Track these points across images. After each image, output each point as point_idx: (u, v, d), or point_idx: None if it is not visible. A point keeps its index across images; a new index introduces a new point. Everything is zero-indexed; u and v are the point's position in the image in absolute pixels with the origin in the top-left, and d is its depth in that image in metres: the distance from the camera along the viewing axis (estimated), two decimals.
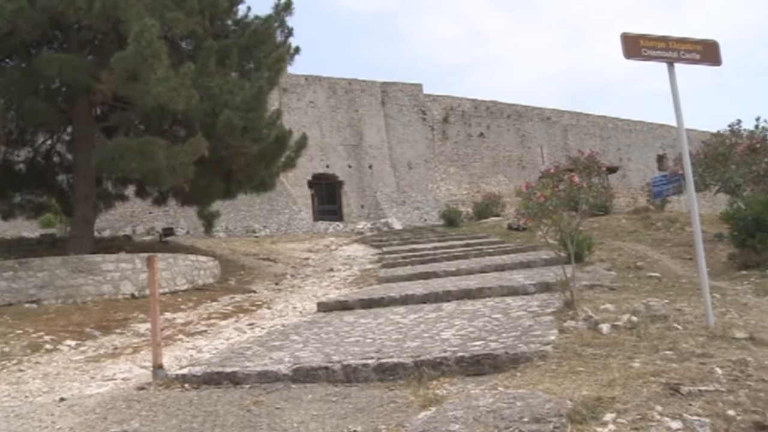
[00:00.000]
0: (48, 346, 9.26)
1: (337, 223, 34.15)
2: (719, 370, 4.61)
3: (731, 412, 3.91)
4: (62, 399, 6.29)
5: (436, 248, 19.66)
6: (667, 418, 3.89)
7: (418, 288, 11.14)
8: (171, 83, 13.26)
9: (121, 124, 16.43)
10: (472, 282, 11.17)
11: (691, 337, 5.72)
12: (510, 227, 22.55)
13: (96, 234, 19.43)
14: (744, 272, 11.13)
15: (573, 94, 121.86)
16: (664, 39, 6.75)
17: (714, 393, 4.21)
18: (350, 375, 5.87)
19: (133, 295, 13.31)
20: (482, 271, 13.29)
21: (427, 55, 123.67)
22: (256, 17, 17.68)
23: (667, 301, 7.63)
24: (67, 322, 10.70)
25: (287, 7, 17.79)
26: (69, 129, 17.64)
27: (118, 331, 10.42)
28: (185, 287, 14.53)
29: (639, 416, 3.94)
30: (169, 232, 27.30)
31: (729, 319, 6.67)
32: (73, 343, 9.53)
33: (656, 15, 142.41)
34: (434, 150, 40.71)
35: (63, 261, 13.24)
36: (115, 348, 9.22)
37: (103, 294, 13.07)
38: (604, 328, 6.21)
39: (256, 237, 28.32)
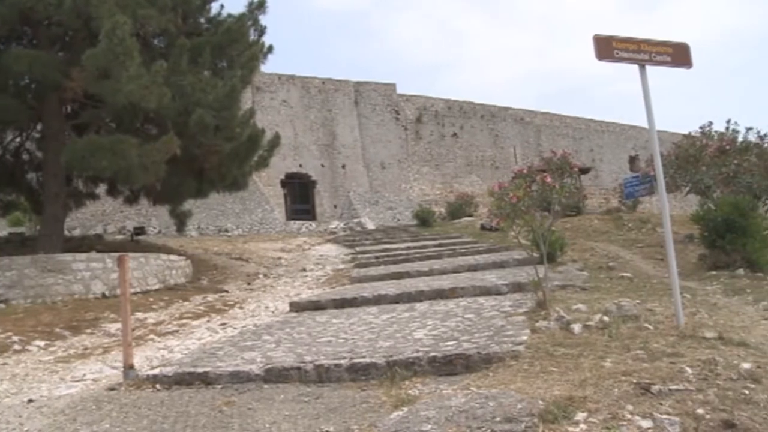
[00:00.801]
0: (16, 347, 9.14)
1: (310, 222, 34.05)
2: (689, 370, 4.66)
3: (700, 411, 3.96)
4: (30, 400, 6.21)
5: (409, 248, 19.69)
6: (637, 417, 3.93)
7: (390, 288, 11.15)
8: (143, 81, 13.16)
9: (92, 122, 16.27)
10: (444, 282, 11.20)
11: (661, 337, 5.78)
12: (483, 227, 22.63)
13: (66, 233, 19.22)
14: (714, 273, 11.27)
15: (546, 95, 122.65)
16: (635, 41, 6.82)
17: (684, 392, 4.26)
18: (323, 375, 5.87)
19: (104, 295, 13.18)
20: (455, 271, 13.33)
21: (400, 54, 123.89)
22: (230, 15, 17.58)
23: (638, 301, 7.71)
24: (36, 323, 10.57)
25: (261, 6, 17.72)
26: (39, 126, 17.44)
27: (89, 331, 10.32)
28: (157, 287, 14.42)
29: (610, 415, 3.98)
30: (140, 231, 27.10)
31: (699, 319, 6.75)
32: (42, 343, 9.42)
33: (628, 17, 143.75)
34: (407, 150, 40.75)
35: (32, 260, 13.07)
36: (86, 348, 9.12)
37: (74, 294, 12.92)
38: (576, 328, 6.26)
39: (229, 236, 28.18)
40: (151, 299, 13.04)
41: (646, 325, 6.30)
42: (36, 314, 11.28)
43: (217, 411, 5.22)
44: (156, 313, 11.81)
